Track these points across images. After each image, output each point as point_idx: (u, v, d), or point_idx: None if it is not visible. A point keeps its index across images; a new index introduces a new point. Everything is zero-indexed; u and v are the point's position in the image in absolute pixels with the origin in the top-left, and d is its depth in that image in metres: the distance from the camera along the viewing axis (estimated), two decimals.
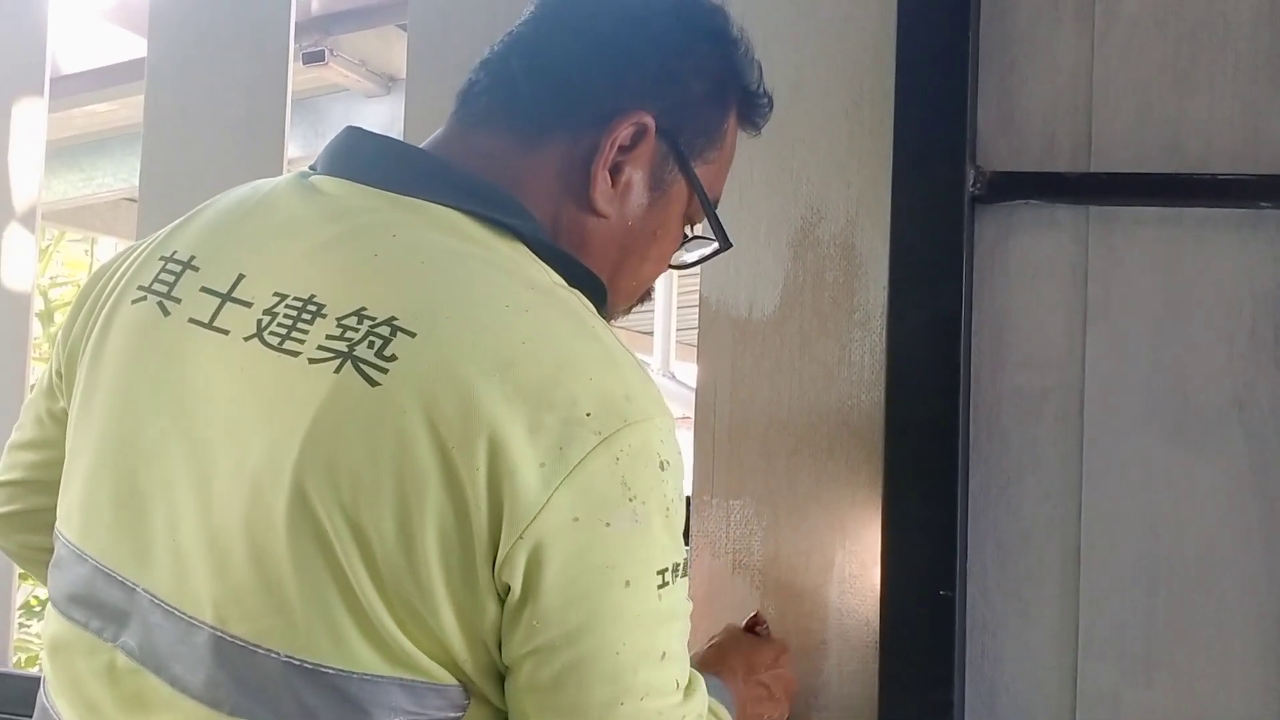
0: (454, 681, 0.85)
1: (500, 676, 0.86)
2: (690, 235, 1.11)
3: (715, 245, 1.11)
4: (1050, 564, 1.39)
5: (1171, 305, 1.37)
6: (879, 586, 1.37)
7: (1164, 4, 1.39)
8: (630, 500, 0.81)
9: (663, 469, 0.83)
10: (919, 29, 1.40)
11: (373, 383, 0.81)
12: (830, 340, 1.48)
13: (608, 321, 0.97)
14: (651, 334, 5.38)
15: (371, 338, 0.82)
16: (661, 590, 0.84)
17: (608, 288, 0.99)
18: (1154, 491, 1.37)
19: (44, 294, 6.02)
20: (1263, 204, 1.34)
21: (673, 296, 5.17)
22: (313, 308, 0.86)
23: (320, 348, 0.84)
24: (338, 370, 0.82)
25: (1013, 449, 1.41)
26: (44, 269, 6.39)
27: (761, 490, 1.49)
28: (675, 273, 5.38)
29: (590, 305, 0.90)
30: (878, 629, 1.38)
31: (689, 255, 1.14)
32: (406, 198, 0.91)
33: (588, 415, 0.80)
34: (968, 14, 1.39)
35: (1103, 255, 1.39)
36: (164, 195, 1.88)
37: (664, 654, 0.85)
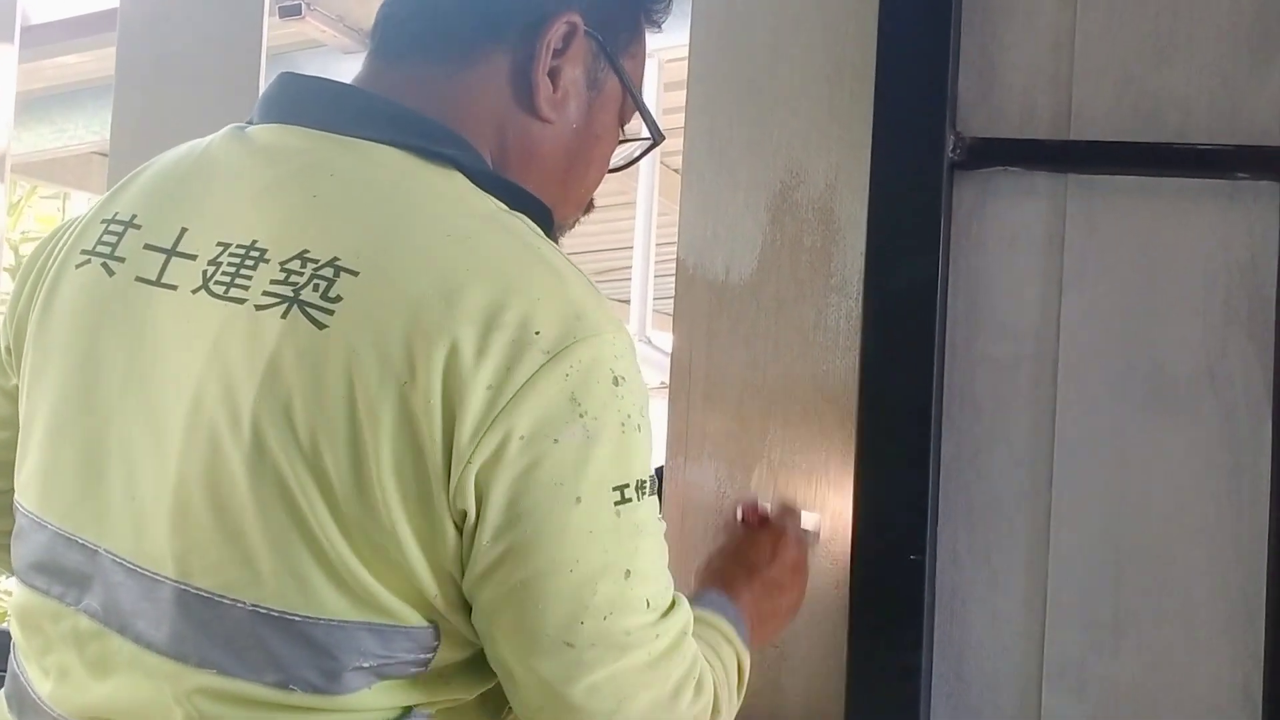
0: (423, 623, 0.85)
1: (470, 610, 0.86)
2: (623, 137, 1.11)
3: (648, 142, 1.11)
4: (1020, 531, 1.40)
5: (1147, 275, 1.38)
6: (850, 550, 1.38)
7: None
8: (581, 416, 0.80)
9: (617, 384, 0.82)
10: None
11: (320, 325, 0.81)
12: (806, 305, 1.48)
13: (557, 239, 0.97)
14: (628, 302, 5.36)
15: (316, 280, 0.82)
16: (621, 507, 0.83)
17: (559, 200, 1.00)
18: (1125, 461, 1.37)
19: (15, 249, 5.96)
20: (1240, 175, 1.34)
21: (650, 264, 5.15)
22: (255, 254, 0.86)
23: (266, 293, 0.83)
24: (285, 315, 0.82)
25: (985, 416, 1.42)
26: (15, 223, 6.31)
27: (735, 453, 1.49)
28: (653, 241, 5.34)
29: (536, 228, 0.90)
30: (848, 592, 1.38)
31: (621, 158, 1.14)
32: (343, 137, 0.91)
33: (537, 334, 0.80)
34: None
35: (1080, 223, 1.39)
36: (135, 149, 1.86)
37: (628, 572, 0.84)
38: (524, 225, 0.89)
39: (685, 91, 1.57)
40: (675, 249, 1.58)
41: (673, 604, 0.90)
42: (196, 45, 1.86)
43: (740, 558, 1.24)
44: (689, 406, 1.53)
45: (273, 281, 0.83)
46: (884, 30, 1.40)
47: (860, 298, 1.43)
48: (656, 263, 5.32)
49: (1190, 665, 1.34)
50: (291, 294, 0.82)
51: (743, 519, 1.31)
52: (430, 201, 0.87)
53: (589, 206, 1.11)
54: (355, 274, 0.81)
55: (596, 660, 0.84)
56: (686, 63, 1.59)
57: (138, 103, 1.89)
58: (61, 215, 7.02)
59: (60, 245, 0.98)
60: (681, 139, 1.57)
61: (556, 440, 0.80)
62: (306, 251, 0.84)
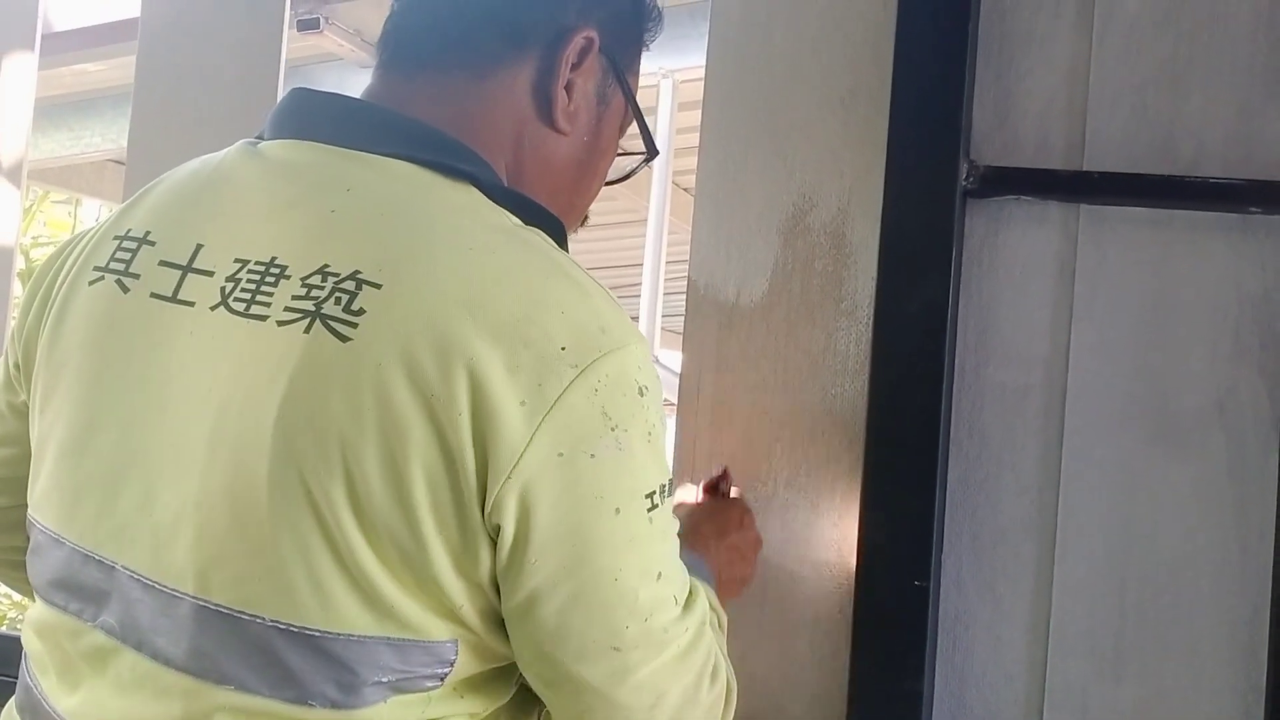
0: (444, 637, 0.85)
1: (502, 620, 0.87)
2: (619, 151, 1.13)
3: (641, 156, 1.13)
4: (1025, 559, 1.40)
5: (1158, 307, 1.38)
6: (854, 575, 1.38)
7: (1163, 5, 1.39)
8: (612, 430, 0.82)
9: (642, 395, 0.84)
10: (918, 20, 1.40)
11: (344, 339, 0.81)
12: (816, 328, 1.48)
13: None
14: (637, 319, 5.38)
15: (338, 294, 0.82)
16: (651, 513, 0.85)
17: (567, 210, 1.01)
18: (1131, 492, 1.37)
19: (25, 254, 5.98)
20: (1253, 209, 1.34)
21: (659, 282, 5.16)
22: (275, 270, 0.86)
23: (287, 309, 0.83)
24: (307, 330, 0.82)
25: (993, 444, 1.42)
26: (26, 228, 6.35)
27: (741, 475, 1.49)
28: (664, 259, 5.33)
29: (552, 242, 0.90)
30: (851, 617, 1.38)
31: (616, 172, 1.15)
32: (357, 152, 0.91)
33: (563, 349, 0.80)
34: (967, 7, 1.39)
35: (1091, 254, 1.40)
36: (152, 158, 1.87)
37: (659, 574, 0.87)
38: (541, 239, 0.89)
39: (700, 112, 1.58)
40: (685, 268, 1.58)
41: (690, 595, 0.93)
42: (216, 56, 1.87)
43: (711, 519, 1.28)
44: (696, 427, 1.53)
45: (294, 297, 0.83)
46: (899, 56, 1.41)
47: (870, 323, 1.43)
48: (666, 280, 5.34)
49: (1192, 696, 1.34)
50: (313, 308, 0.82)
51: (711, 485, 1.39)
52: (449, 215, 0.87)
53: (584, 219, 1.13)
54: (378, 287, 0.81)
55: (640, 660, 0.87)
56: (702, 84, 1.59)
57: (156, 112, 1.90)
58: (72, 220, 7.05)
59: (71, 262, 0.97)
60: (695, 159, 1.57)
61: (593, 455, 0.81)
62: (327, 266, 0.84)
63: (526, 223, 0.91)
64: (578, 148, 1.03)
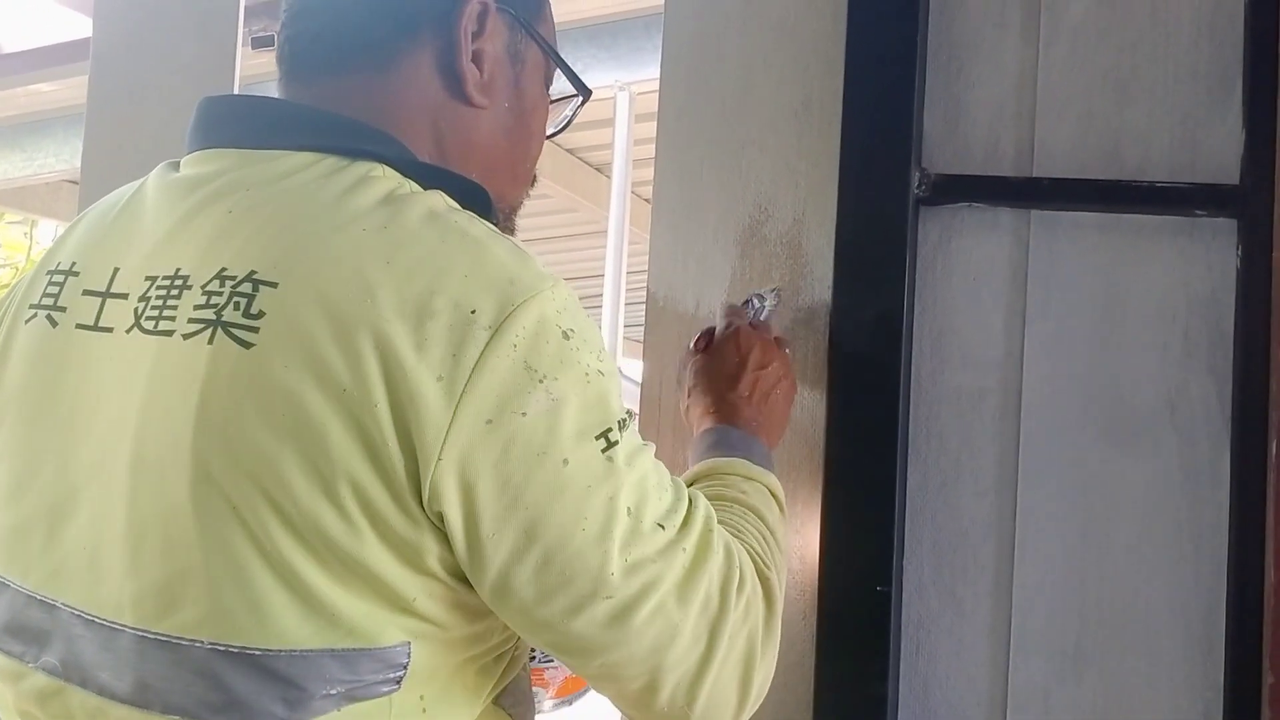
0: (395, 640, 0.82)
1: (465, 605, 0.84)
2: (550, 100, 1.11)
3: (576, 100, 1.11)
4: (985, 562, 1.41)
5: (1109, 309, 1.40)
6: (817, 581, 1.39)
7: (1107, 14, 1.42)
8: (540, 381, 0.78)
9: (567, 338, 0.81)
10: (867, 32, 1.42)
11: (246, 344, 0.78)
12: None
13: (501, 218, 0.96)
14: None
15: (236, 298, 0.80)
16: (609, 452, 0.82)
17: (509, 181, 1.00)
18: (1087, 491, 1.39)
19: None
20: (1198, 212, 1.37)
21: (621, 292, 5.16)
22: (179, 281, 0.84)
23: (191, 320, 0.82)
24: (211, 340, 0.80)
25: (951, 448, 1.43)
26: None
27: None
28: (624, 269, 5.33)
29: (453, 202, 0.88)
30: (815, 623, 1.39)
31: (552, 123, 1.13)
32: (259, 151, 0.89)
33: (473, 314, 0.78)
34: (916, 18, 1.40)
35: (1043, 259, 1.42)
36: (106, 178, 1.85)
37: (630, 509, 0.83)
38: (440, 199, 0.87)
39: (655, 124, 1.59)
40: (645, 278, 1.59)
41: (687, 514, 0.89)
42: (169, 75, 1.86)
43: (714, 378, 1.23)
44: (659, 438, 1.54)
45: (196, 307, 0.82)
46: (850, 67, 1.43)
47: (827, 330, 1.44)
48: (628, 290, 5.34)
49: (1152, 694, 1.36)
50: (214, 316, 0.80)
51: (694, 349, 1.32)
52: (344, 199, 0.84)
53: (533, 180, 1.10)
54: (274, 285, 0.79)
55: (638, 598, 0.83)
56: (657, 96, 1.60)
57: (109, 131, 1.89)
58: (28, 241, 6.98)
59: (12, 303, 0.97)
60: (652, 170, 1.58)
61: (524, 414, 0.78)
62: (224, 270, 0.82)
63: (430, 188, 0.88)
64: (503, 116, 1.00)
